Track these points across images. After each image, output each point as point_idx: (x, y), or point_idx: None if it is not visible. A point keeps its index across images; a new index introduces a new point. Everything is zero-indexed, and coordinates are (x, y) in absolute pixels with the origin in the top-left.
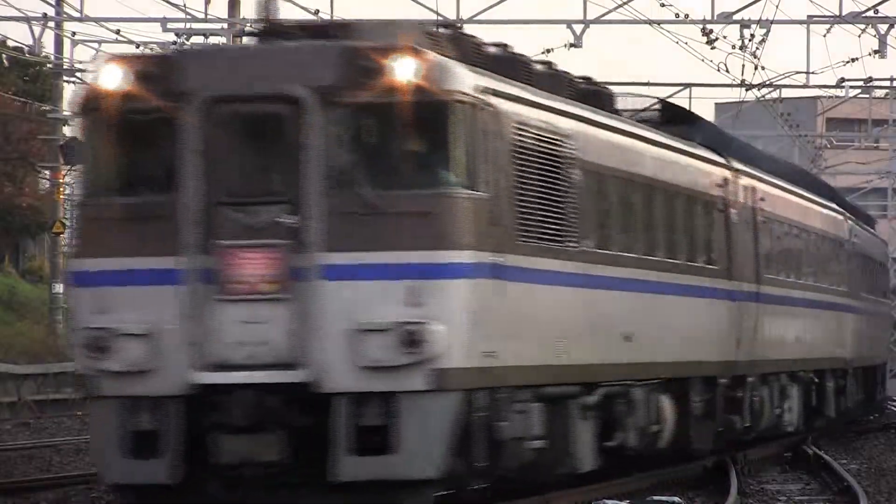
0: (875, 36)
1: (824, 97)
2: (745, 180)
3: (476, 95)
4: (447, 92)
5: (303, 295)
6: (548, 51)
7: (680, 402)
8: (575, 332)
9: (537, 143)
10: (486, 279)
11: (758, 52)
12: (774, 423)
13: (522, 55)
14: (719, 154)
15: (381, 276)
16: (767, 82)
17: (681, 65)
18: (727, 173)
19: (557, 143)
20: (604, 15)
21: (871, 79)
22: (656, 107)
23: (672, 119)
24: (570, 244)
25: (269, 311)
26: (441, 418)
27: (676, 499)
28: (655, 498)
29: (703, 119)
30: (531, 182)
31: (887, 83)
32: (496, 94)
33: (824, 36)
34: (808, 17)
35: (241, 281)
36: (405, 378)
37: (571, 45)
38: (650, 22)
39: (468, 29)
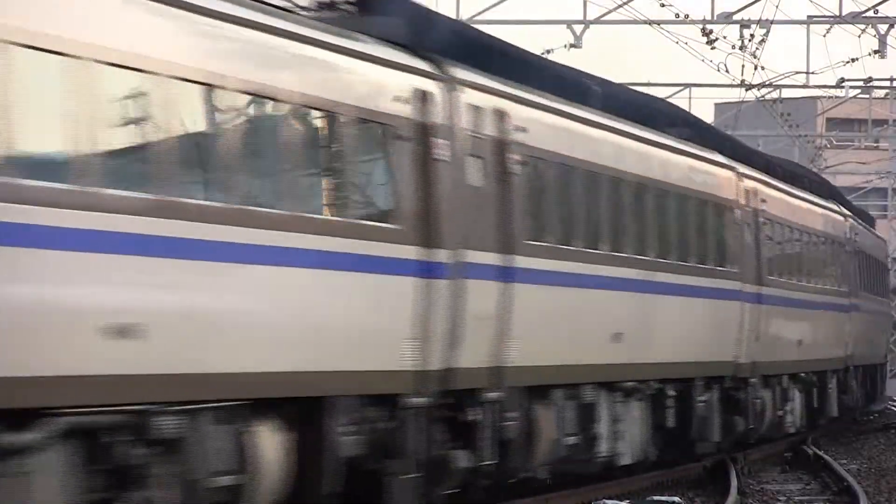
0: (875, 36)
1: (824, 97)
2: (475, 97)
3: None
4: None
5: None
6: (548, 51)
7: (305, 435)
8: None
9: None
10: None
11: (758, 53)
12: (573, 455)
13: None
14: (423, 57)
15: None
16: (767, 82)
17: (681, 65)
18: (432, 86)
19: None
20: (604, 15)
21: (871, 79)
22: None
23: (374, 10)
24: None
25: None
26: None
27: (676, 499)
28: (655, 498)
29: (428, 11)
30: None
31: (887, 83)
32: None
33: (824, 36)
34: (808, 17)
35: None
36: None
37: (571, 46)
38: (650, 22)
39: None
